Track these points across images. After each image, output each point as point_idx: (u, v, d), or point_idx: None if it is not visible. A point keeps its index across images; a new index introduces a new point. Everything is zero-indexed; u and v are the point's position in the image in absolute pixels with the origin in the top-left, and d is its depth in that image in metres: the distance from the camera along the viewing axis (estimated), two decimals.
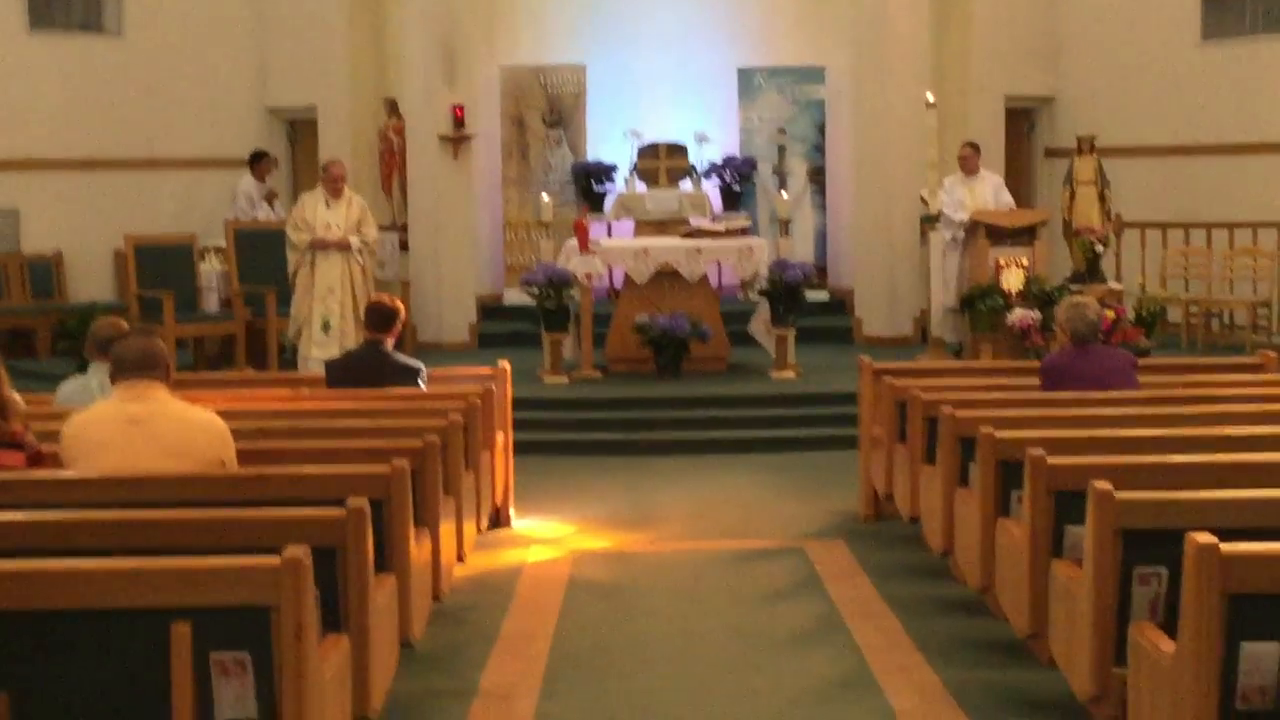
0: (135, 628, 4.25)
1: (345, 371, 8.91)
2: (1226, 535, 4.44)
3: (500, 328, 15.75)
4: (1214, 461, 6.11)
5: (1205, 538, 4.35)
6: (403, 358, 9.00)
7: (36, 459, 6.02)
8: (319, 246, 12.53)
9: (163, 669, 4.21)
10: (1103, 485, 5.23)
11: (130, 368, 5.93)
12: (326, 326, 12.52)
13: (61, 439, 6.00)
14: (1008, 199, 13.86)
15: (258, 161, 15.90)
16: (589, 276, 13.39)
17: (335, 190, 12.65)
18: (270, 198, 15.80)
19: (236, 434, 6.25)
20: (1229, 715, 4.38)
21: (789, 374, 13.26)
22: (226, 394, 8.64)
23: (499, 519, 9.39)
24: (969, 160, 13.82)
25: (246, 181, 15.84)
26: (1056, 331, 8.27)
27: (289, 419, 7.68)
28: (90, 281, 16.29)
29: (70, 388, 7.77)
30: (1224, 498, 5.27)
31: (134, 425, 5.85)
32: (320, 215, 12.59)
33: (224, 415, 6.31)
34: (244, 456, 6.24)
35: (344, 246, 12.52)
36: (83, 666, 4.26)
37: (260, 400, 8.47)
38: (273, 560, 4.25)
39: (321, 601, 4.99)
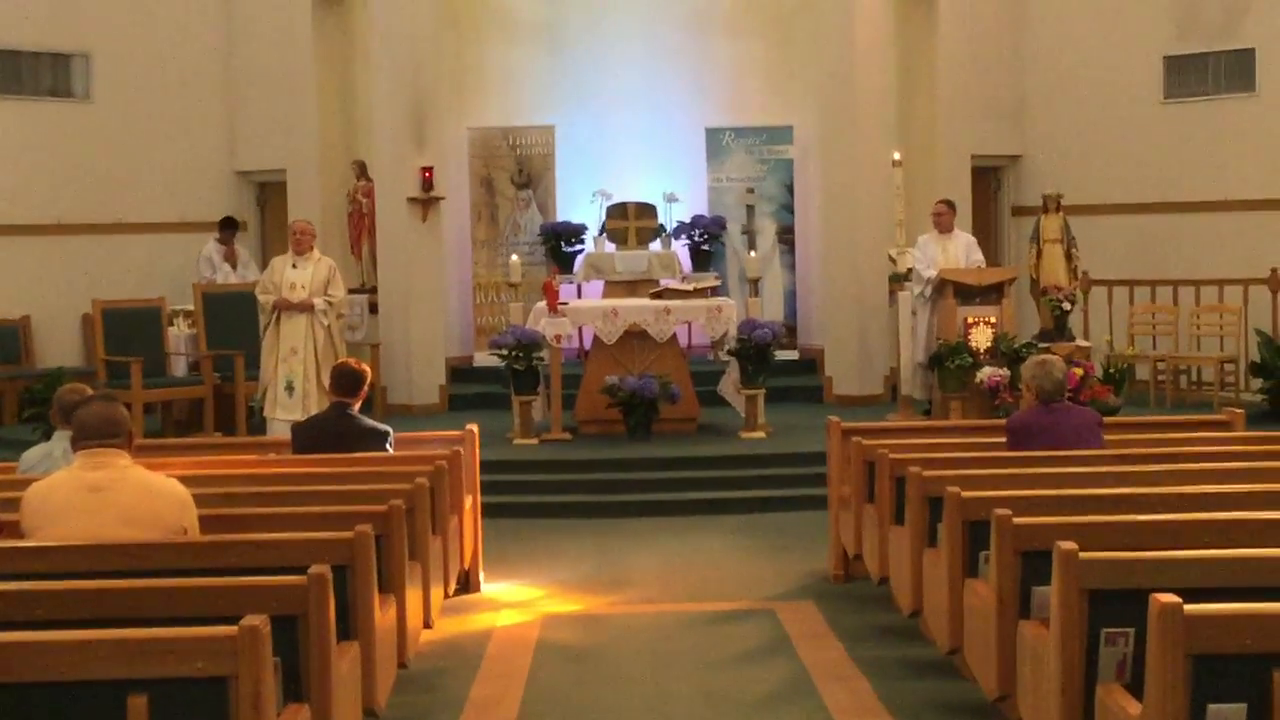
0: (92, 700, 4.19)
1: (311, 435, 8.86)
2: (1194, 595, 4.42)
3: (470, 389, 15.72)
4: (1181, 520, 6.08)
5: (1169, 598, 4.33)
6: (369, 421, 8.96)
7: None
8: (283, 307, 12.48)
9: None
10: (1068, 545, 5.21)
11: (91, 434, 5.88)
12: (290, 388, 12.46)
13: (22, 507, 5.94)
14: (979, 258, 13.92)
15: (225, 228, 15.95)
16: (558, 338, 13.38)
17: (299, 248, 12.60)
18: (233, 259, 15.80)
19: (201, 500, 6.21)
20: None
21: (759, 434, 13.25)
22: (192, 459, 8.59)
23: (468, 583, 9.33)
24: (943, 218, 13.87)
25: (209, 246, 15.89)
26: (1023, 390, 8.27)
27: (254, 484, 7.63)
28: (58, 346, 16.21)
29: (34, 455, 7.71)
30: (1190, 557, 5.25)
31: (94, 493, 5.79)
32: (287, 276, 12.56)
33: (189, 480, 6.27)
34: (208, 523, 6.19)
35: (307, 308, 12.47)
36: None
37: (226, 465, 8.41)
38: (230, 630, 4.20)
39: (284, 670, 4.94)
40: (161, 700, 4.18)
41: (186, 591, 5.04)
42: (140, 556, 5.59)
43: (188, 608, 4.89)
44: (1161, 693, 4.31)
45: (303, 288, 12.52)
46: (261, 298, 12.65)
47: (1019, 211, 16.88)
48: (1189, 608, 4.31)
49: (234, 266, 15.75)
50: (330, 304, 12.55)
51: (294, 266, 12.61)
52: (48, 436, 7.95)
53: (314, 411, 11.46)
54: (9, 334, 16.09)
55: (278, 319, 12.55)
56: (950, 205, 14.04)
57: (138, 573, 5.36)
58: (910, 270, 13.81)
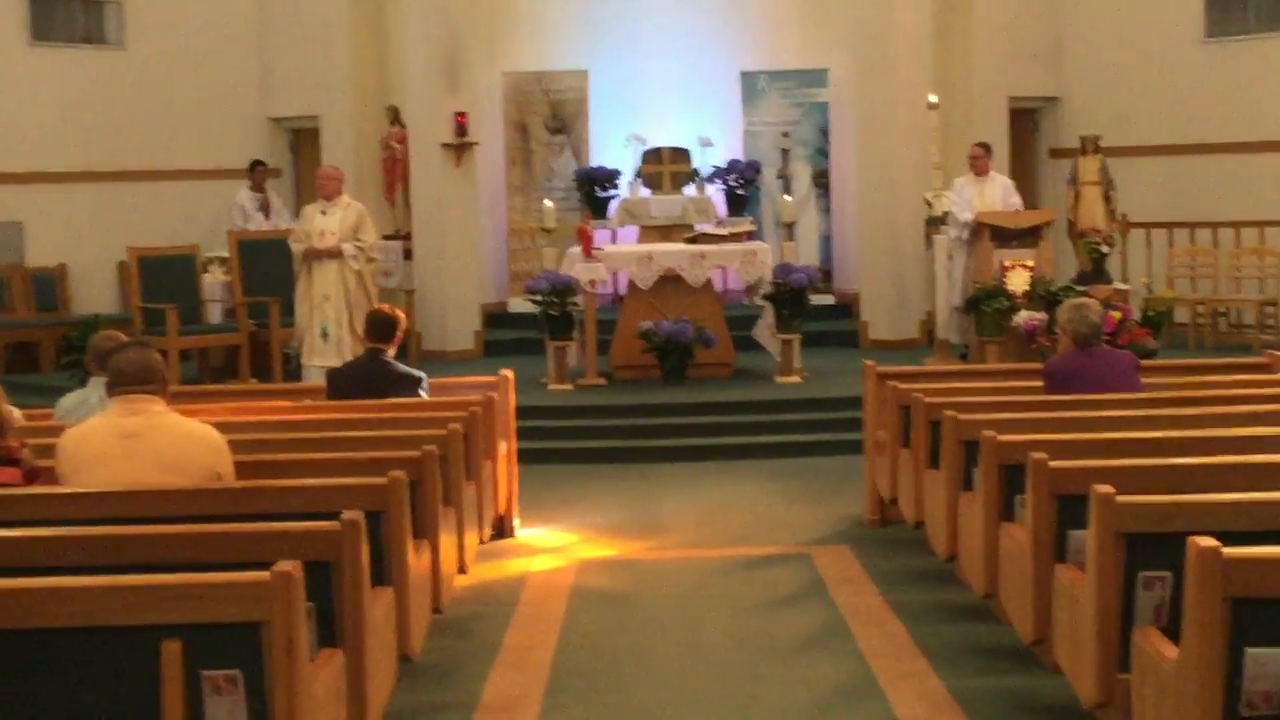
0: (125, 645, 4.21)
1: (346, 381, 8.87)
2: (1231, 539, 4.39)
3: (505, 335, 15.71)
4: (1218, 463, 6.04)
5: (1207, 542, 4.29)
6: (403, 367, 8.96)
7: (32, 475, 5.98)
8: (312, 256, 12.53)
9: (154, 687, 4.16)
10: (1104, 489, 5.18)
11: (127, 381, 5.89)
12: (325, 334, 12.50)
13: (57, 454, 5.95)
14: (1017, 201, 13.83)
15: (253, 171, 15.96)
16: (593, 283, 13.34)
17: (326, 194, 12.62)
18: (265, 207, 15.81)
19: (236, 446, 6.21)
20: None
21: (794, 379, 13.21)
22: (227, 406, 8.60)
23: (502, 529, 9.34)
24: (979, 161, 13.79)
25: (242, 194, 15.93)
26: (1059, 334, 8.20)
27: (289, 430, 7.64)
28: (94, 294, 16.28)
29: (71, 402, 7.74)
30: (1228, 500, 5.22)
31: (129, 439, 5.80)
32: (316, 223, 12.58)
33: (224, 427, 6.28)
34: (242, 469, 6.20)
35: (335, 254, 12.49)
36: (73, 685, 4.21)
37: (261, 412, 8.43)
38: (262, 575, 4.21)
39: (318, 616, 4.95)
40: (195, 645, 4.19)
41: (220, 537, 5.06)
42: (175, 502, 5.61)
43: (222, 553, 4.91)
44: (1199, 636, 4.28)
45: (332, 234, 12.53)
46: (294, 246, 12.68)
47: (1056, 154, 16.73)
48: (1227, 551, 4.27)
49: (267, 215, 15.75)
50: (360, 249, 12.56)
51: (323, 213, 12.62)
52: (83, 383, 7.98)
53: (350, 357, 11.48)
54: (46, 282, 16.18)
55: (309, 267, 12.58)
56: (986, 148, 13.94)
57: (172, 518, 5.38)
58: (946, 214, 13.71)
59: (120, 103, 16.30)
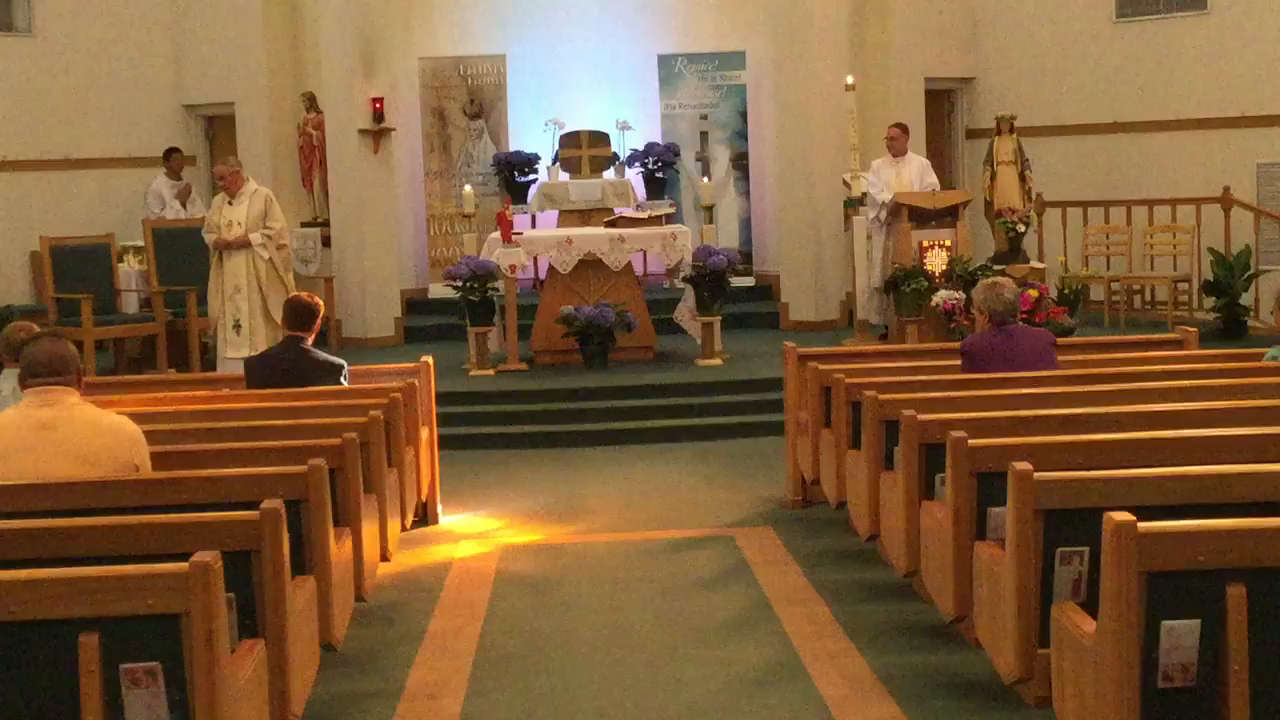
0: (42, 640, 4.15)
1: (265, 370, 8.78)
2: (1146, 513, 4.44)
3: (426, 322, 15.65)
4: (1134, 439, 6.11)
5: (1122, 516, 4.34)
6: (323, 355, 8.89)
7: None
8: (220, 246, 12.43)
9: (72, 681, 4.11)
10: (1022, 466, 5.23)
11: (40, 373, 5.81)
12: (237, 326, 12.40)
13: None
14: (933, 181, 13.93)
15: (169, 158, 15.78)
16: (513, 268, 13.30)
17: (228, 189, 12.52)
18: (184, 195, 15.63)
19: (153, 437, 6.16)
20: (1151, 693, 4.37)
21: (716, 361, 13.24)
22: (145, 396, 8.53)
23: (425, 515, 9.31)
24: (897, 141, 13.88)
25: (159, 181, 15.73)
26: (976, 313, 8.26)
27: (207, 420, 7.58)
28: (6, 284, 16.03)
29: None
30: (1143, 475, 5.27)
31: (43, 431, 5.73)
32: (224, 214, 12.47)
33: (141, 418, 6.22)
34: (161, 459, 6.15)
35: (244, 244, 12.38)
36: None
37: (179, 402, 8.35)
38: (181, 566, 4.16)
39: (238, 606, 4.92)
40: (113, 638, 4.14)
41: (138, 528, 5.01)
42: (91, 494, 5.55)
43: (140, 545, 4.86)
44: (1116, 610, 4.33)
45: (239, 224, 12.41)
46: (206, 237, 12.60)
47: (973, 134, 16.85)
48: (1142, 525, 4.33)
49: (183, 204, 15.57)
50: (268, 236, 12.45)
51: (230, 203, 12.50)
52: None
53: (264, 347, 11.39)
54: None
55: (220, 258, 12.47)
56: (903, 129, 14.02)
57: (89, 511, 5.33)
58: (865, 195, 13.78)
59: (31, 91, 16.04)
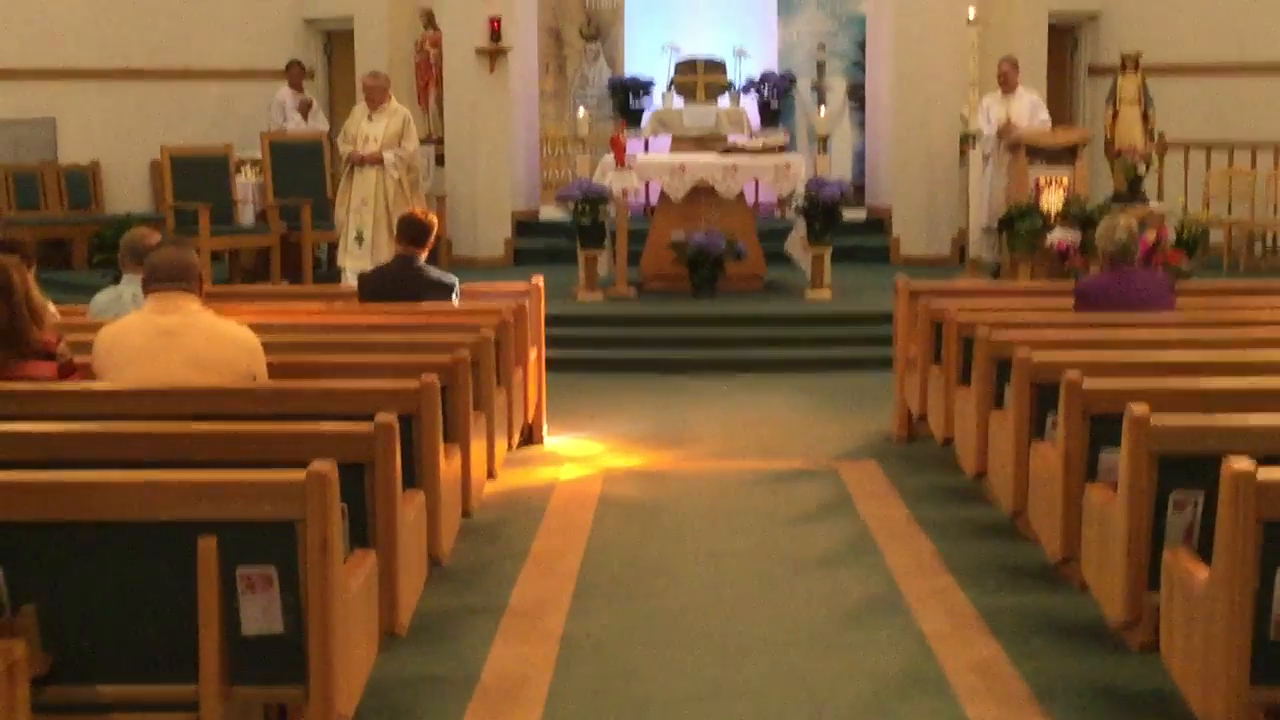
0: (161, 541, 4.24)
1: (378, 285, 8.87)
2: (1264, 461, 4.38)
3: (536, 243, 15.67)
4: (1252, 387, 6.02)
5: (1241, 463, 4.29)
6: (436, 272, 8.96)
7: (68, 370, 6.00)
8: (355, 160, 12.58)
9: (189, 583, 4.20)
10: (1139, 409, 5.17)
11: (162, 279, 5.91)
12: (360, 238, 12.54)
13: (93, 350, 5.99)
14: (1044, 117, 13.71)
15: (290, 70, 15.89)
16: (625, 193, 13.28)
17: (372, 102, 12.64)
18: (305, 108, 15.72)
19: (268, 348, 6.24)
20: (1263, 643, 4.32)
21: (825, 293, 13.16)
22: (259, 307, 8.63)
23: (531, 436, 9.37)
24: (1008, 77, 13.68)
25: (283, 92, 15.84)
26: (1097, 253, 8.14)
27: (321, 333, 7.66)
28: (127, 192, 16.30)
29: (104, 299, 7.76)
30: (1262, 423, 5.20)
31: (165, 337, 5.83)
32: (362, 129, 12.61)
33: (256, 328, 6.30)
34: (275, 370, 6.23)
35: (377, 161, 12.50)
36: (109, 579, 4.25)
37: (293, 314, 8.45)
38: (298, 475, 4.22)
39: (350, 517, 4.99)
40: (230, 542, 4.21)
41: (255, 436, 5.09)
42: (211, 401, 5.65)
43: (256, 453, 4.93)
44: (1231, 558, 4.28)
45: (376, 140, 12.56)
46: (341, 147, 12.82)
47: (1095, 71, 16.56)
48: (1261, 473, 4.27)
49: (305, 116, 15.67)
50: (400, 158, 12.56)
51: (369, 118, 12.62)
52: (117, 281, 7.98)
53: (383, 261, 11.49)
54: (78, 179, 16.20)
55: (351, 170, 12.62)
56: (1014, 64, 13.82)
57: (207, 416, 5.42)
58: (979, 131, 13.61)
59: (154, 1, 16.21)
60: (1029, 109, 13.64)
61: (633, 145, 15.16)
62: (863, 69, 16.56)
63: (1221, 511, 4.33)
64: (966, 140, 14.09)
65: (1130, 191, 13.52)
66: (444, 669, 5.64)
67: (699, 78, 16.55)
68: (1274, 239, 15.08)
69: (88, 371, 6.00)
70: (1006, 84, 13.65)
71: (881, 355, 10.63)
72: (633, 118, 16.24)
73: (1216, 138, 15.44)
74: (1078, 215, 12.58)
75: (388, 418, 5.17)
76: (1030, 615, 6.16)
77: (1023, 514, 6.89)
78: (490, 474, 7.80)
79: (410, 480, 5.80)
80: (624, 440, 9.56)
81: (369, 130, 12.57)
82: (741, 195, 13.62)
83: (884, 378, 10.17)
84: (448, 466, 6.39)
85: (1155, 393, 5.69)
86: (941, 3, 15.04)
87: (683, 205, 13.45)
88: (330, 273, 12.97)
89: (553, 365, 10.21)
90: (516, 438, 8.85)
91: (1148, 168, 13.86)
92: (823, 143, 14.54)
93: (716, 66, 16.59)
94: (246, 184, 14.87)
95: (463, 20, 15.38)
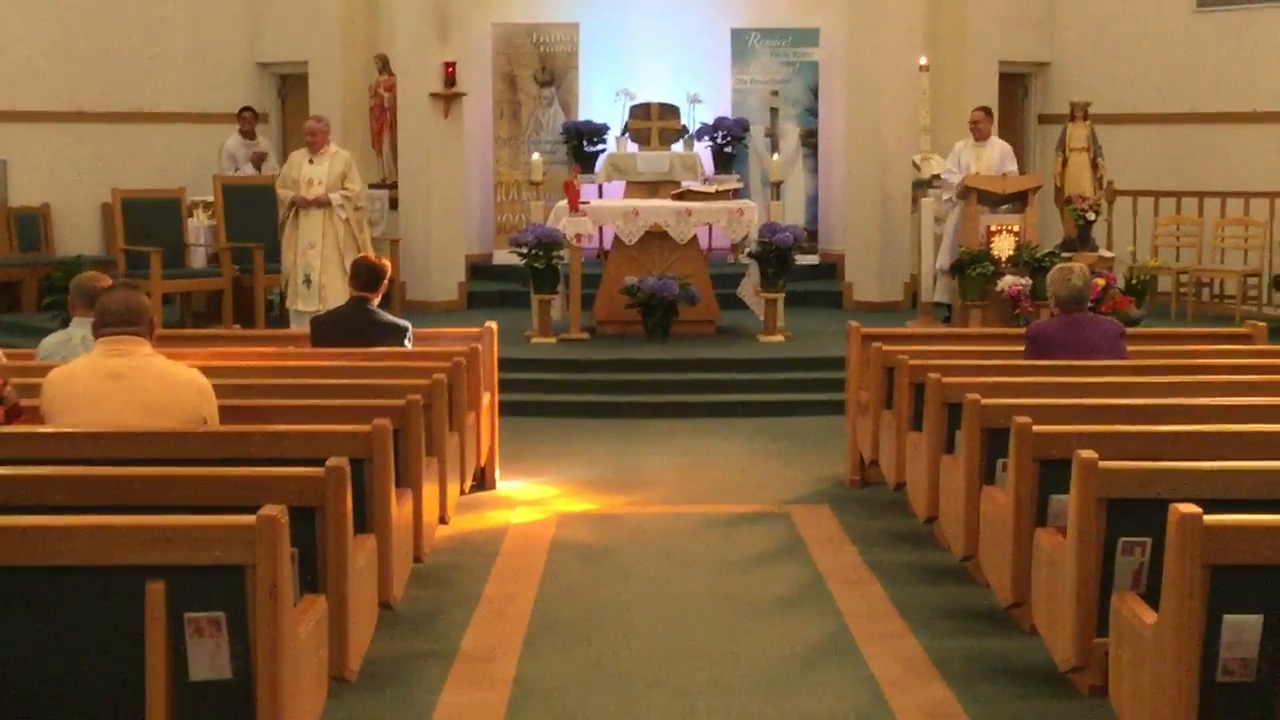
0: (109, 586, 4.21)
1: (330, 329, 8.85)
2: (1211, 506, 4.41)
3: (489, 287, 15.69)
4: (1200, 431, 6.07)
5: (1188, 508, 4.32)
6: (388, 316, 8.95)
7: (14, 413, 5.97)
8: (300, 205, 12.48)
9: (136, 628, 4.17)
10: (1087, 454, 5.21)
11: (113, 322, 5.87)
12: (308, 280, 12.48)
13: (42, 393, 5.95)
14: (1013, 167, 13.79)
15: (242, 116, 15.85)
16: (579, 237, 13.31)
17: (313, 146, 12.58)
18: (258, 160, 15.65)
19: (220, 391, 6.21)
20: (1210, 686, 4.35)
21: (778, 338, 13.22)
22: (211, 350, 8.59)
23: (483, 480, 9.35)
24: (980, 125, 13.74)
25: (233, 140, 15.79)
26: (1049, 298, 8.20)
27: (273, 376, 7.64)
28: (77, 235, 16.23)
29: (53, 342, 7.70)
30: (1209, 468, 5.24)
31: (115, 380, 5.80)
32: (304, 172, 12.55)
33: (208, 372, 6.27)
34: (226, 414, 6.20)
35: (324, 204, 12.45)
36: (55, 624, 4.22)
37: (245, 357, 8.42)
38: (248, 519, 4.20)
39: (300, 562, 4.97)
40: (179, 587, 4.19)
41: (205, 480, 5.07)
42: (160, 445, 5.62)
43: (206, 497, 4.92)
44: (1178, 602, 4.31)
45: (319, 183, 12.49)
46: (280, 192, 12.64)
47: (1046, 119, 16.72)
48: (1208, 518, 4.30)
49: (257, 168, 15.58)
50: (347, 198, 12.52)
51: (310, 162, 12.58)
52: (66, 324, 7.93)
53: (332, 304, 11.46)
54: (29, 221, 16.12)
55: (295, 214, 12.55)
56: (987, 112, 13.90)
57: (157, 461, 5.39)
58: (934, 176, 13.71)
59: (108, 43, 16.21)
60: (999, 157, 13.71)
61: (587, 190, 15.21)
62: (815, 115, 16.66)
63: (1169, 556, 4.37)
64: (918, 187, 14.20)
65: (1080, 238, 13.66)
66: (394, 715, 5.60)
67: (653, 123, 16.62)
68: (1221, 285, 15.23)
69: (35, 415, 5.96)
70: (978, 132, 13.71)
71: (834, 400, 10.68)
72: (587, 163, 16.27)
73: (1164, 186, 15.59)
74: (1028, 262, 12.70)
75: (339, 462, 5.16)
76: (981, 659, 6.18)
77: (973, 558, 6.92)
78: (443, 518, 7.77)
79: (361, 525, 5.78)
80: (577, 484, 9.55)
81: (311, 173, 12.51)
82: (695, 240, 13.66)
83: (836, 422, 10.22)
84: (399, 511, 6.37)
85: (1104, 437, 5.74)
86: (893, 50, 15.18)
87: (636, 250, 13.49)
88: (282, 316, 12.91)
89: (506, 409, 10.21)
90: (469, 482, 8.84)
91: (1097, 215, 14.00)
92: (776, 188, 14.64)
93: (670, 112, 16.66)
94: (199, 226, 14.81)
95: (417, 65, 15.41)
